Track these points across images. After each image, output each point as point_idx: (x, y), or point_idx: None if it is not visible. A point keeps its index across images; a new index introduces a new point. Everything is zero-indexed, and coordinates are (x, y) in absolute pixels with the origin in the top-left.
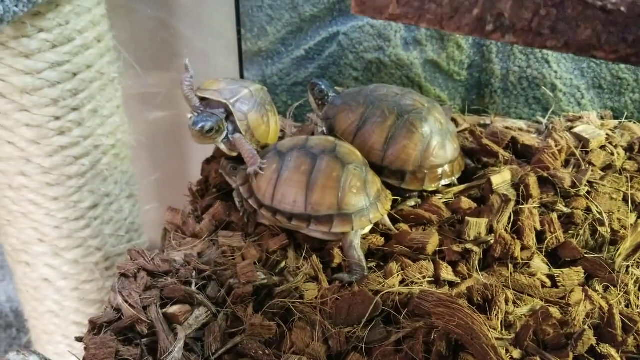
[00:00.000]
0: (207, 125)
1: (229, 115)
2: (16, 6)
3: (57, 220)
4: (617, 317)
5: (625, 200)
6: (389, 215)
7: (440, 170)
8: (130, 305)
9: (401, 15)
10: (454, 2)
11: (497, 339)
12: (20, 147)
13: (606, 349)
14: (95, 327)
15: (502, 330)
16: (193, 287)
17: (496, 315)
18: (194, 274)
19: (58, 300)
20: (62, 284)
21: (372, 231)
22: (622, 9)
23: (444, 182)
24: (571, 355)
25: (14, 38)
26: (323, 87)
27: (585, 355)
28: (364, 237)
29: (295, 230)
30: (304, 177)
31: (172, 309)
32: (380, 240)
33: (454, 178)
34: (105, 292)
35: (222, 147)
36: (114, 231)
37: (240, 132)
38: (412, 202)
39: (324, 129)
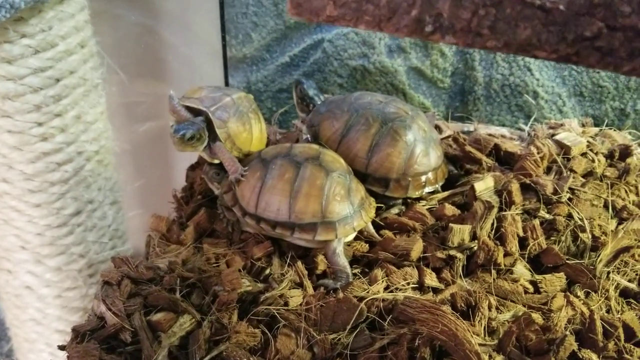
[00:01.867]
0: (188, 133)
1: (210, 124)
2: None
3: (40, 227)
4: (598, 323)
5: (606, 206)
6: (373, 223)
7: (424, 178)
8: (113, 313)
9: (338, 17)
10: (392, 3)
11: (480, 344)
12: (2, 154)
13: (587, 354)
14: (79, 335)
15: (485, 336)
16: (177, 295)
17: (479, 321)
18: (178, 281)
19: (40, 308)
20: (44, 292)
21: (356, 238)
22: (561, 7)
23: (427, 189)
24: None
25: None
26: (305, 86)
27: (567, 359)
28: (348, 244)
29: (279, 238)
30: (287, 185)
31: (156, 317)
32: (365, 247)
33: (437, 185)
34: (89, 299)
35: (204, 155)
36: (97, 238)
37: (220, 140)
38: (395, 210)
39: (308, 136)
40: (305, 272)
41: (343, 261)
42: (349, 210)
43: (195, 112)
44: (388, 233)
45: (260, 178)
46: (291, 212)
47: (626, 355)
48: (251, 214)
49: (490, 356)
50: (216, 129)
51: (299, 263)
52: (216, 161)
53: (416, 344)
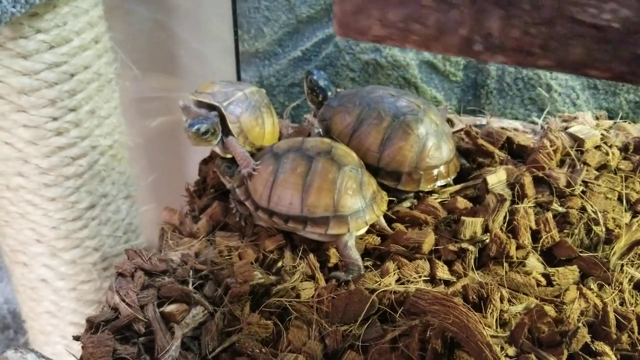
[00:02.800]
0: (202, 128)
1: (223, 118)
2: (14, 7)
3: (55, 221)
4: (612, 315)
5: (620, 199)
6: (385, 216)
7: (436, 171)
8: (127, 304)
9: (385, 37)
10: (440, 22)
11: (492, 336)
12: (17, 148)
13: (600, 346)
14: (93, 326)
15: (497, 328)
16: (190, 287)
17: (491, 313)
18: (191, 273)
19: (55, 301)
20: (59, 285)
21: (368, 231)
22: (615, 25)
23: (439, 182)
24: (565, 352)
25: (11, 39)
26: (315, 77)
27: (580, 352)
28: (360, 237)
29: (292, 232)
30: (300, 179)
31: (169, 308)
32: (377, 240)
33: (449, 179)
34: (103, 292)
35: (217, 149)
36: (111, 232)
37: (233, 135)
38: (407, 203)
39: (320, 130)
40: (317, 265)
41: (355, 254)
42: (361, 204)
43: (209, 107)
44: (400, 226)
45: (272, 172)
46: (303, 205)
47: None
48: (264, 208)
49: (502, 348)
50: (229, 123)
51: (311, 256)
52: (229, 155)
53: (427, 335)
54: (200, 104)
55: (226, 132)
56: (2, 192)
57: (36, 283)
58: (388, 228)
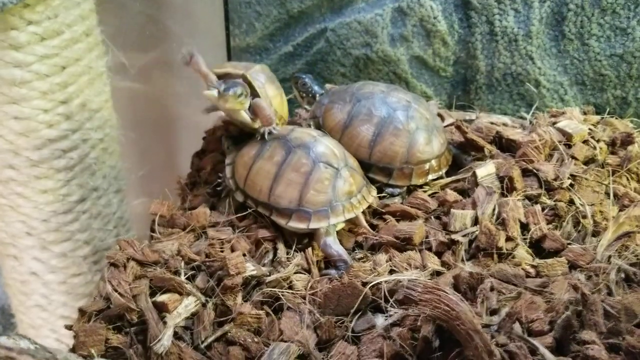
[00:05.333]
0: (238, 90)
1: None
2: None
3: (46, 214)
4: (599, 304)
5: (607, 193)
6: (374, 211)
7: (427, 166)
8: (119, 294)
9: None
10: None
11: (482, 325)
12: (8, 140)
13: (588, 334)
14: (85, 315)
15: (487, 316)
16: (182, 277)
17: (481, 302)
18: (182, 264)
19: (46, 294)
20: (50, 278)
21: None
22: None
23: (431, 176)
24: (554, 340)
25: (2, 30)
26: (306, 79)
27: (569, 340)
28: (350, 231)
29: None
30: (274, 168)
31: (162, 298)
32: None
33: (440, 172)
34: (93, 286)
35: (245, 115)
36: (102, 225)
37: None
38: (398, 199)
39: (312, 127)
40: (314, 259)
41: (336, 250)
42: (328, 204)
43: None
44: (391, 220)
45: (254, 156)
46: (271, 194)
47: (627, 336)
48: (241, 189)
49: (492, 336)
50: (257, 89)
51: (309, 249)
52: (256, 125)
53: (419, 324)
54: (223, 77)
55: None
56: None
57: (26, 276)
58: (368, 227)
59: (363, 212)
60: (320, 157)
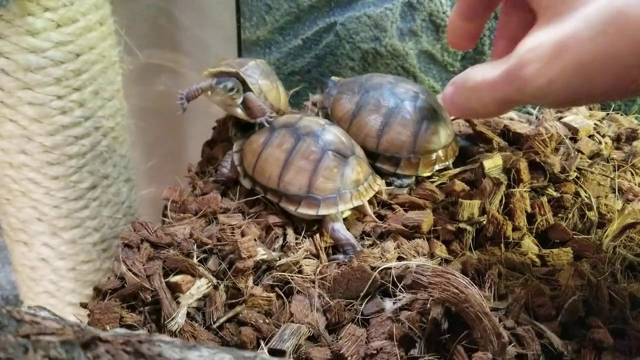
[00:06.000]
0: (229, 84)
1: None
2: None
3: (57, 200)
4: (605, 291)
5: (612, 187)
6: (383, 202)
7: (434, 156)
8: (134, 273)
9: None
10: None
11: (490, 308)
12: (22, 125)
13: (594, 320)
14: (100, 293)
15: (494, 301)
16: (194, 260)
17: (489, 287)
18: (195, 247)
19: (55, 281)
20: (59, 264)
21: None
22: None
23: (437, 166)
24: (560, 325)
25: (19, 16)
26: (329, 84)
27: (575, 325)
28: (358, 219)
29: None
30: (283, 155)
31: (175, 279)
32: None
33: (447, 163)
34: (102, 273)
35: (239, 111)
36: (111, 213)
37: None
38: (406, 190)
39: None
40: (323, 245)
41: (344, 235)
42: (336, 191)
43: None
44: (400, 210)
45: (262, 144)
46: (280, 181)
47: (632, 322)
48: (250, 176)
49: (499, 319)
50: (250, 85)
51: (317, 236)
52: (252, 120)
53: (428, 307)
54: (218, 75)
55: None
56: (4, 170)
57: (36, 262)
58: (373, 215)
59: (371, 203)
60: (329, 145)
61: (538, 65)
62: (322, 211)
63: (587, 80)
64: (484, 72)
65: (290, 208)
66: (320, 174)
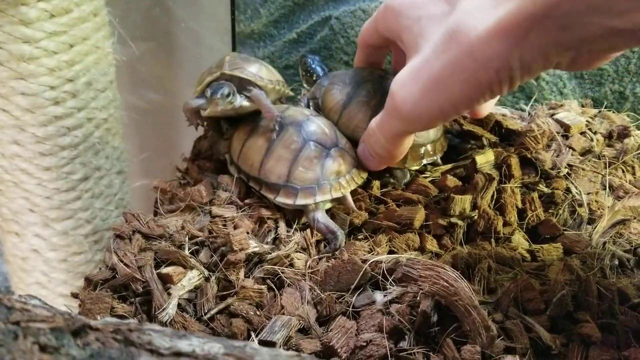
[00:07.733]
0: (225, 90)
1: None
2: None
3: (49, 191)
4: (594, 286)
5: (603, 184)
6: (375, 198)
7: (422, 149)
8: (125, 264)
9: None
10: None
11: (479, 302)
12: (14, 116)
13: (582, 315)
14: (91, 283)
15: (484, 294)
16: (186, 252)
17: (479, 281)
18: (186, 238)
19: (46, 272)
20: (51, 255)
21: (358, 208)
22: None
23: (425, 160)
24: (549, 319)
25: (13, 5)
26: (309, 59)
27: (563, 319)
28: (346, 213)
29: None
30: (265, 143)
31: (166, 270)
32: (365, 217)
33: (435, 157)
34: (93, 265)
35: (246, 104)
36: (103, 205)
37: (258, 88)
38: (397, 185)
39: (311, 108)
40: (313, 240)
41: (325, 223)
42: (316, 181)
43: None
44: (392, 205)
45: (248, 131)
46: (261, 169)
47: (620, 316)
48: (235, 164)
49: (489, 313)
50: (254, 81)
51: (307, 230)
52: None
53: (417, 299)
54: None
55: (248, 90)
56: None
57: (27, 253)
58: (355, 208)
59: (363, 197)
60: (311, 136)
61: (402, 92)
62: (300, 201)
63: (444, 92)
64: (375, 118)
65: (270, 196)
66: (300, 163)
